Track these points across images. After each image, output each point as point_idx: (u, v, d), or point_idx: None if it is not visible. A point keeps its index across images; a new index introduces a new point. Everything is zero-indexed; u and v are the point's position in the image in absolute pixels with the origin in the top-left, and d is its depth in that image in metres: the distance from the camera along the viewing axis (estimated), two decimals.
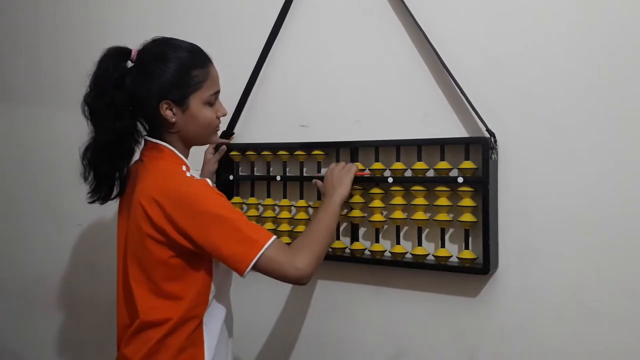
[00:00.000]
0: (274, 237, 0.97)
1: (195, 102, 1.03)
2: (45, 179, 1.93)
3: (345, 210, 1.33)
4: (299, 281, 0.97)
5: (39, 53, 1.94)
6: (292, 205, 1.40)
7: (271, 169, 1.45)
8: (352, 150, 1.32)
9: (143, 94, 1.01)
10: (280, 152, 1.39)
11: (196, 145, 1.11)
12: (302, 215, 1.36)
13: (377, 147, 1.29)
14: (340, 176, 1.19)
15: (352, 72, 1.35)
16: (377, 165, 1.28)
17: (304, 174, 1.40)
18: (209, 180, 1.02)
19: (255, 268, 0.95)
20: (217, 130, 1.11)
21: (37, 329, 1.96)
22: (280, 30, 1.43)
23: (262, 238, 0.95)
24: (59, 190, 1.89)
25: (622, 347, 1.08)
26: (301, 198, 1.39)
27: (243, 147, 1.45)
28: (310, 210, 1.39)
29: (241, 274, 0.95)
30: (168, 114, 1.02)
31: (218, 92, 1.07)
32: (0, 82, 2.05)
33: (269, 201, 1.42)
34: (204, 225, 0.94)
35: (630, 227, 1.07)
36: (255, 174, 1.48)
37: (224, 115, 1.10)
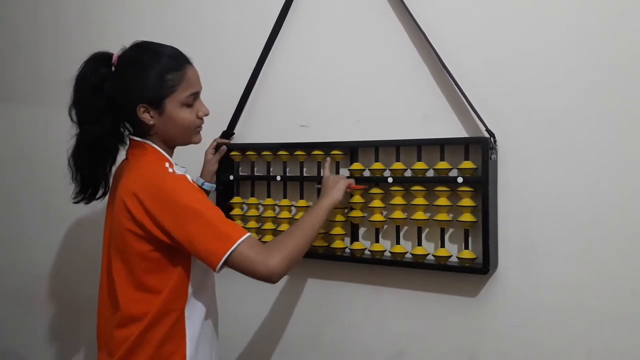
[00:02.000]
0: (249, 234, 0.97)
1: (171, 104, 1.04)
2: (45, 179, 1.93)
3: (346, 210, 1.34)
4: (268, 279, 0.97)
5: (39, 53, 1.94)
6: (293, 205, 1.40)
7: (271, 169, 1.45)
8: (352, 150, 1.32)
9: (120, 99, 1.04)
10: (281, 152, 1.40)
11: (179, 145, 1.12)
12: (302, 215, 1.36)
13: (377, 147, 1.29)
14: (336, 180, 1.20)
15: (352, 72, 1.35)
16: (377, 165, 1.28)
17: (304, 174, 1.40)
18: (188, 176, 1.03)
19: (227, 264, 0.95)
20: (199, 130, 1.12)
21: (37, 329, 1.96)
22: (281, 31, 1.44)
23: (235, 234, 0.96)
24: (59, 190, 1.88)
25: (622, 347, 1.08)
26: (301, 198, 1.39)
27: (243, 147, 1.45)
28: None
29: (214, 268, 0.96)
30: (146, 117, 1.04)
31: (196, 93, 1.08)
32: (0, 82, 2.05)
33: (269, 201, 1.43)
34: (180, 218, 0.96)
35: (630, 227, 1.07)
36: (256, 174, 1.48)
37: (206, 114, 1.10)
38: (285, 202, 1.40)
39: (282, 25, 1.43)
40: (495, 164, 1.17)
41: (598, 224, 1.10)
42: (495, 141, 1.17)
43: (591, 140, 1.11)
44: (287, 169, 1.42)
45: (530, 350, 1.16)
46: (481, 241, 1.14)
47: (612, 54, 1.09)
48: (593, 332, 1.10)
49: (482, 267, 1.14)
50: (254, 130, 1.49)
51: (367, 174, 1.30)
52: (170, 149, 1.11)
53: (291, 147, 1.38)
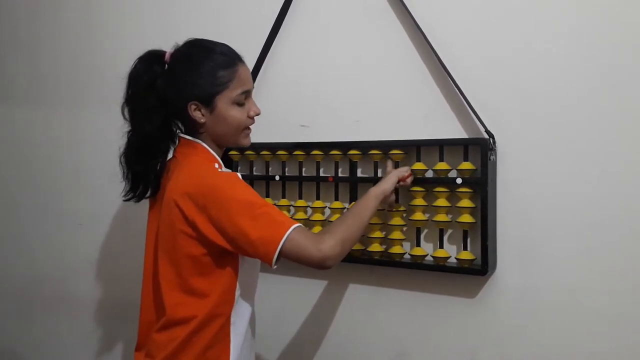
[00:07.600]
0: (300, 223, 0.97)
1: (222, 102, 1.03)
2: (45, 179, 1.93)
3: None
4: (322, 262, 0.95)
5: (39, 53, 1.94)
6: (291, 205, 1.40)
7: (270, 168, 1.45)
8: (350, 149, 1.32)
9: (172, 96, 1.04)
10: (280, 152, 1.39)
11: (228, 145, 1.11)
12: (301, 215, 1.36)
13: (376, 148, 1.29)
14: (391, 171, 1.20)
15: (352, 72, 1.35)
16: None
17: (303, 174, 1.40)
18: (238, 174, 1.03)
19: (282, 253, 0.94)
20: (249, 132, 1.10)
21: (37, 329, 1.96)
22: (280, 30, 1.44)
23: (288, 222, 0.96)
24: (59, 190, 1.89)
25: (622, 347, 1.08)
26: (300, 198, 1.39)
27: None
28: (309, 210, 1.39)
29: (270, 258, 0.93)
30: (197, 114, 1.03)
31: (248, 91, 1.07)
32: (0, 82, 2.05)
33: (268, 201, 1.42)
34: (233, 212, 0.94)
35: (630, 227, 1.07)
36: (254, 173, 1.48)
37: (257, 114, 1.09)
38: (284, 202, 1.40)
39: (281, 25, 1.43)
40: (494, 165, 1.17)
41: (597, 224, 1.10)
42: (494, 142, 1.16)
43: (590, 141, 1.10)
44: (286, 169, 1.42)
45: (529, 351, 1.16)
46: (480, 242, 1.14)
47: (611, 54, 1.08)
48: (593, 333, 1.10)
49: (481, 268, 1.14)
50: (254, 130, 1.48)
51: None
52: (220, 149, 1.10)
53: (291, 147, 1.38)
